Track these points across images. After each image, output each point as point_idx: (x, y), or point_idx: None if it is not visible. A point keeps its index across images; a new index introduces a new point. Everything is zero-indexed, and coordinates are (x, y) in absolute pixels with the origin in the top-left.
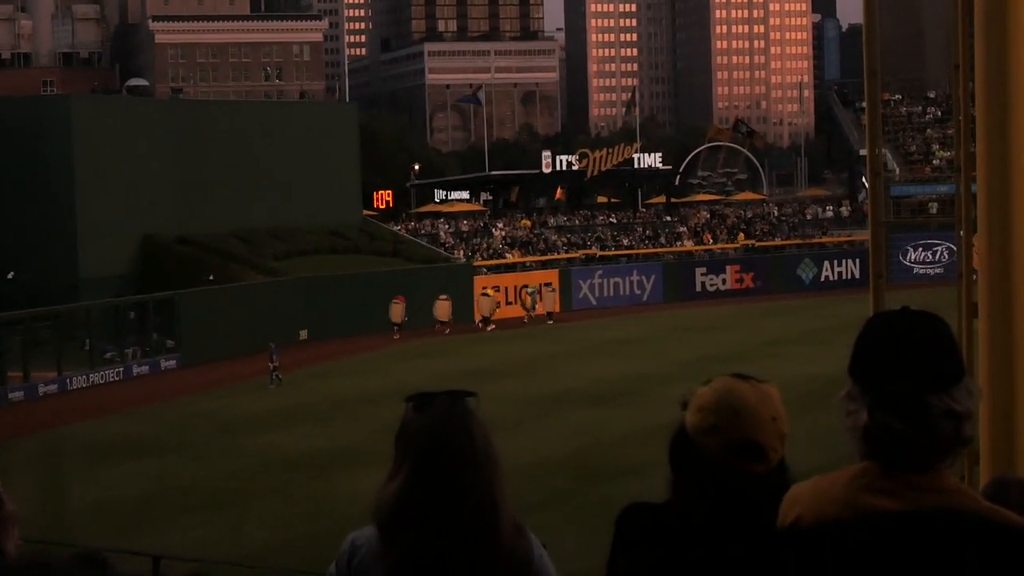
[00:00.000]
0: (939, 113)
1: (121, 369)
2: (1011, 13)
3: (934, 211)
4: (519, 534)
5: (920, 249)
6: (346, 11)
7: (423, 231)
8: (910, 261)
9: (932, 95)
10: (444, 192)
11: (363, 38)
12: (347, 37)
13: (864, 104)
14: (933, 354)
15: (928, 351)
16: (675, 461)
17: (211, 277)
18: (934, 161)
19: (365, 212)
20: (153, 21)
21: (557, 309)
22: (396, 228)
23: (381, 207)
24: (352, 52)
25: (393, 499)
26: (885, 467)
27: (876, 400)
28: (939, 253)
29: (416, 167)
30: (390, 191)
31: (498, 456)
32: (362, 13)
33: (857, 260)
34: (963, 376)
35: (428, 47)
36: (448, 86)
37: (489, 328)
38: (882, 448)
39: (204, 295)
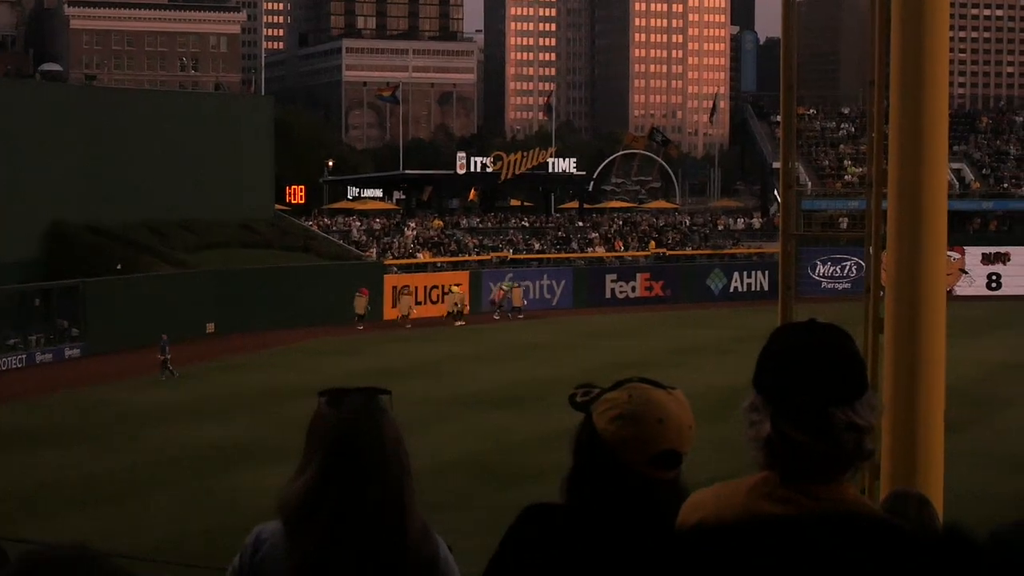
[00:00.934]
0: (852, 129)
1: (24, 356)
2: (927, 32)
3: (844, 226)
4: (426, 535)
5: (829, 263)
6: (264, 4)
7: (335, 228)
8: (819, 275)
9: (846, 111)
10: (357, 189)
11: (281, 32)
12: (265, 30)
13: (779, 117)
14: (837, 367)
15: (832, 364)
16: (582, 465)
17: (119, 267)
18: (846, 177)
19: (277, 207)
20: (69, 6)
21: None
22: (308, 224)
23: (294, 202)
24: (269, 45)
25: (301, 495)
26: (786, 477)
27: (779, 411)
28: (848, 268)
29: (330, 163)
30: (303, 186)
31: (408, 456)
32: (281, 7)
33: (767, 272)
34: (866, 390)
35: (346, 43)
36: (365, 83)
37: (408, 326)
38: (783, 459)
39: (111, 284)
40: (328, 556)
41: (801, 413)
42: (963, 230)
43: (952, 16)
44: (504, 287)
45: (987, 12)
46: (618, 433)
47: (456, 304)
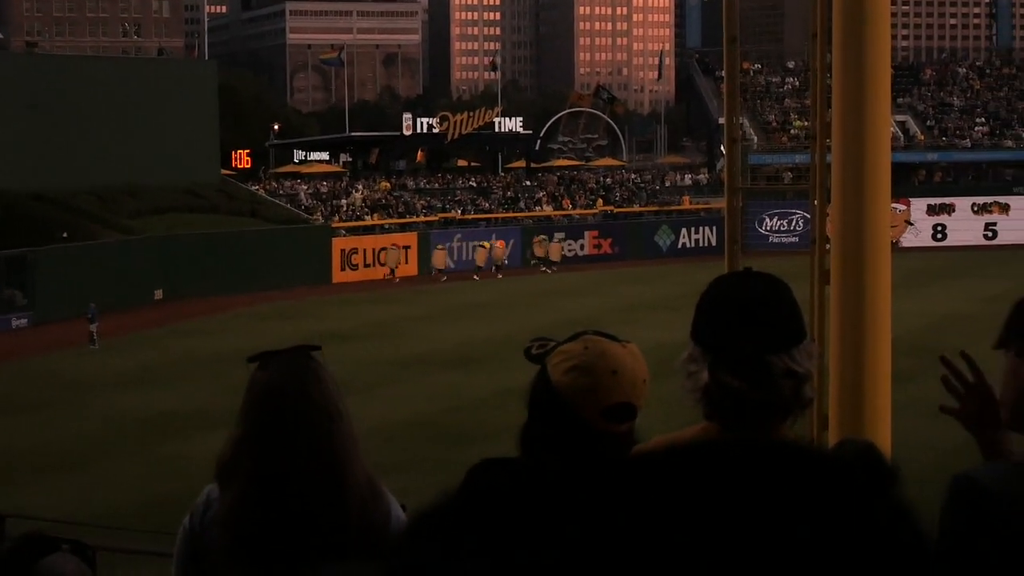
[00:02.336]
0: (797, 83)
1: None
2: None
3: (789, 180)
4: (375, 494)
5: (776, 218)
6: None
7: (282, 192)
8: (766, 229)
9: (791, 65)
10: (303, 153)
11: None
12: None
13: (724, 72)
14: (773, 315)
15: (768, 312)
16: (536, 418)
17: (65, 235)
18: (792, 131)
19: (223, 171)
20: None
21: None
22: (255, 188)
23: (240, 167)
24: (212, 9)
25: (228, 454)
26: (725, 426)
27: (716, 360)
28: (794, 222)
29: (276, 127)
30: (249, 151)
31: (344, 410)
32: None
33: (714, 227)
34: (804, 338)
35: (289, 6)
36: (309, 46)
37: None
38: (722, 408)
39: (57, 252)
40: (254, 512)
41: (738, 361)
42: (908, 182)
43: None
44: (485, 244)
45: None
46: (572, 384)
47: (497, 258)
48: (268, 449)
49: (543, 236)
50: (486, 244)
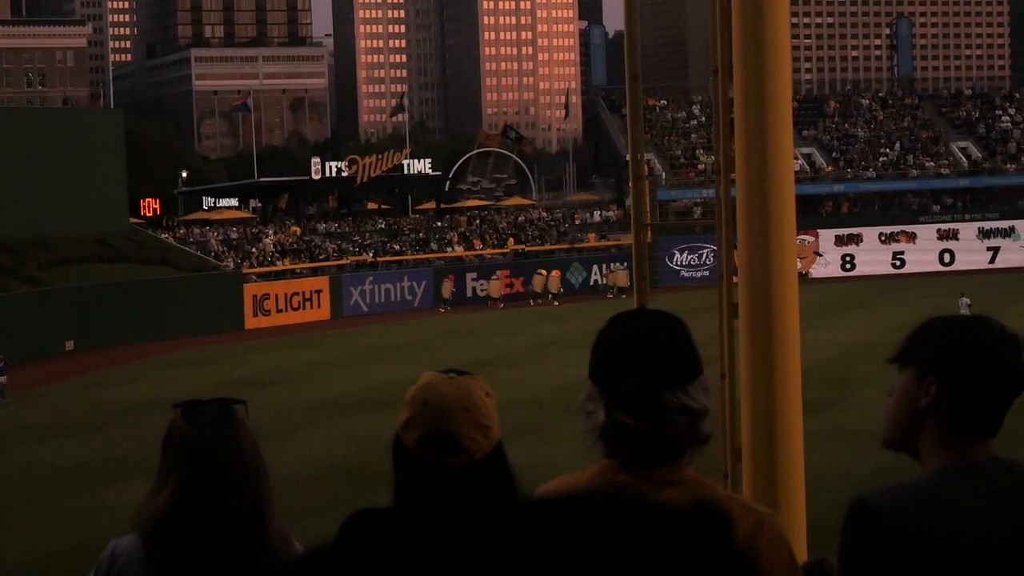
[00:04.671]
0: (703, 118)
1: None
2: (768, 17)
3: (698, 214)
4: (285, 542)
5: (686, 252)
6: (110, 16)
7: (192, 239)
8: (677, 264)
9: (698, 99)
10: (212, 199)
11: (128, 44)
12: (111, 43)
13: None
14: (667, 352)
15: (662, 349)
16: (394, 463)
17: None
18: (699, 165)
19: (132, 220)
20: None
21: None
22: (164, 236)
23: (148, 215)
24: (117, 58)
25: (161, 511)
26: (624, 465)
27: (612, 399)
28: (704, 256)
29: (184, 174)
30: (157, 199)
31: (265, 465)
32: (127, 18)
33: (625, 263)
34: (700, 374)
35: (195, 53)
36: (216, 92)
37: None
38: (619, 445)
39: None
40: (189, 572)
41: (632, 399)
42: (816, 213)
43: (796, 2)
44: (542, 272)
45: None
46: (400, 420)
47: (553, 287)
48: (205, 509)
49: (541, 270)
50: (543, 272)
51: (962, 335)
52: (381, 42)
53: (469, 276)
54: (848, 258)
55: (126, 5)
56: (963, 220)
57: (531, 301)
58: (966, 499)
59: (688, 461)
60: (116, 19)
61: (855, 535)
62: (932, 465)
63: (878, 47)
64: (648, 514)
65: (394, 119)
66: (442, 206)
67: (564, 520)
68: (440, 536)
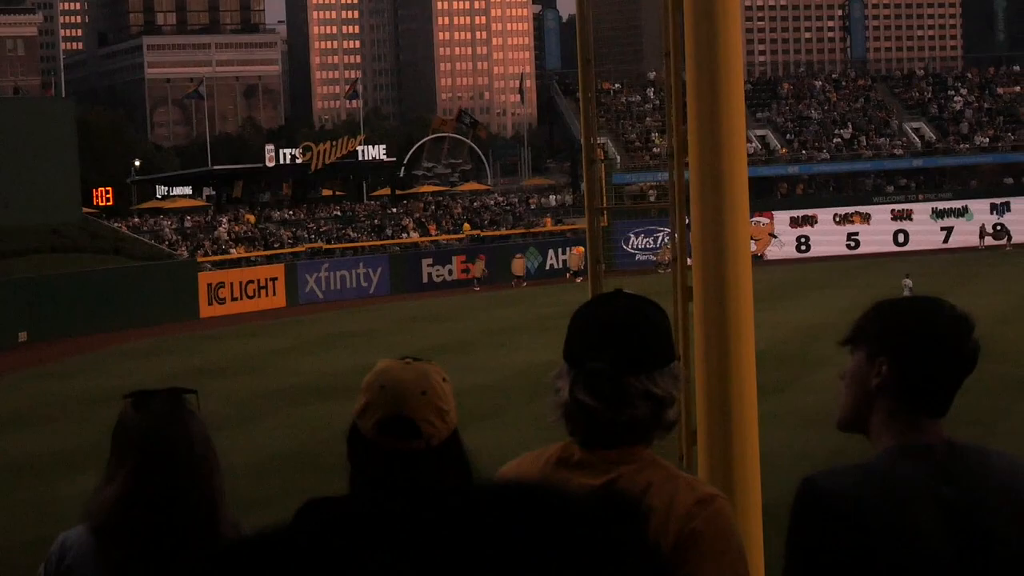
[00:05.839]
0: (658, 102)
1: None
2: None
3: (653, 198)
4: (236, 532)
5: (642, 235)
6: (61, 4)
7: (146, 228)
8: (633, 247)
9: (652, 78)
10: (166, 188)
11: (79, 32)
12: (62, 31)
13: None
14: (635, 336)
15: (631, 333)
16: (349, 451)
17: None
18: (654, 149)
19: (85, 210)
20: None
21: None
22: (117, 225)
23: (102, 204)
24: (68, 46)
25: (111, 502)
26: (583, 443)
27: (576, 378)
28: (660, 239)
29: (137, 163)
30: (110, 188)
31: (216, 455)
32: (78, 6)
33: (581, 248)
34: (669, 361)
35: (147, 40)
36: (168, 80)
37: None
38: (579, 424)
39: None
40: (140, 563)
41: (594, 380)
42: (771, 195)
43: None
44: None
45: None
46: (357, 407)
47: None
48: (156, 499)
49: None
50: (573, 249)
51: (912, 315)
52: (334, 28)
53: (425, 262)
54: (803, 240)
55: None
56: (917, 201)
57: (513, 283)
58: (914, 481)
59: (647, 446)
60: (67, 7)
61: (803, 516)
62: (882, 446)
63: (831, 29)
64: (557, 503)
65: (349, 104)
66: (397, 192)
67: (477, 509)
68: (393, 522)
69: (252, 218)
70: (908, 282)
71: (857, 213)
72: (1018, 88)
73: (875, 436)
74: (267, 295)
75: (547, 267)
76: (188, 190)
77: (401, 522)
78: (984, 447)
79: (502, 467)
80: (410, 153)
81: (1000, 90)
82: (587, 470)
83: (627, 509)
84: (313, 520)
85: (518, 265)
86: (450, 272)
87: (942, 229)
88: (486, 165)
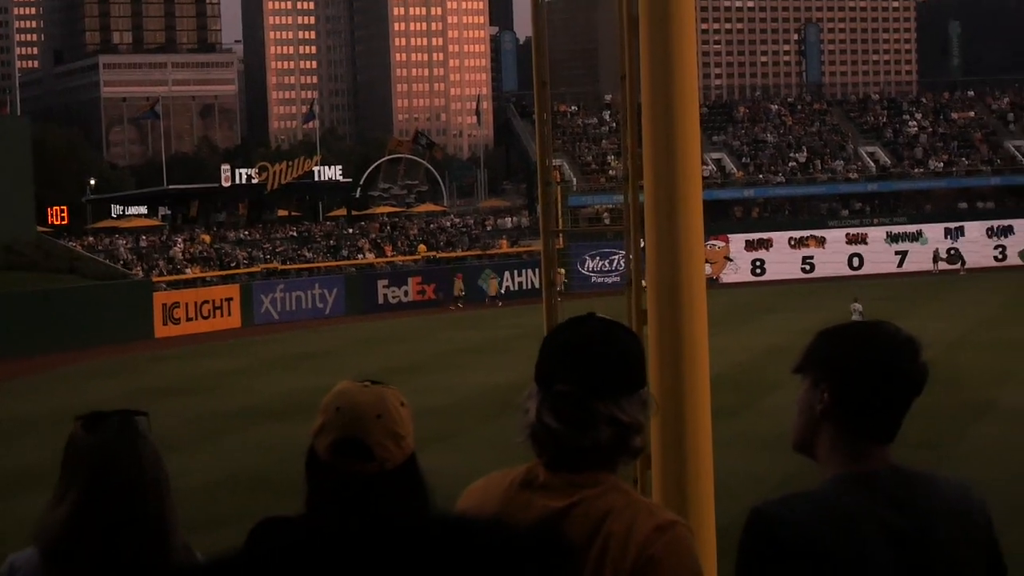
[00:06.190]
0: (614, 124)
1: None
2: (674, 23)
3: (608, 220)
4: (188, 554)
5: (598, 258)
6: (16, 22)
7: (101, 247)
8: (588, 270)
9: (608, 100)
10: (121, 207)
11: (35, 50)
12: (18, 49)
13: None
14: (604, 361)
15: (600, 357)
16: (306, 471)
17: None
18: (610, 172)
19: (40, 228)
20: None
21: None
22: (72, 244)
23: (56, 223)
24: (23, 64)
25: (62, 524)
26: (548, 465)
27: (543, 400)
28: (616, 262)
29: (92, 182)
30: (65, 206)
31: (168, 477)
32: (33, 24)
33: (537, 270)
34: (639, 388)
35: (103, 59)
36: (124, 99)
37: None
38: (544, 447)
39: None
40: None
41: (559, 403)
42: (727, 218)
43: (705, 9)
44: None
45: (739, 3)
46: (314, 428)
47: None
48: (106, 521)
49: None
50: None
51: (853, 340)
52: (291, 48)
53: (380, 283)
54: (758, 263)
55: (33, 11)
56: (871, 224)
57: (486, 301)
58: (860, 509)
59: (611, 471)
60: (22, 25)
61: (751, 546)
62: (830, 472)
63: (787, 53)
64: (497, 537)
65: (306, 125)
66: (353, 213)
67: (422, 539)
68: (343, 545)
69: (208, 238)
70: (858, 306)
71: (812, 237)
72: (972, 113)
73: (822, 462)
74: (222, 315)
75: (503, 289)
76: (144, 209)
77: (348, 548)
78: (932, 473)
79: (469, 486)
80: (366, 174)
81: (954, 115)
82: (550, 492)
83: (556, 546)
84: (265, 543)
85: (493, 285)
86: (406, 293)
87: (896, 253)
88: (442, 186)
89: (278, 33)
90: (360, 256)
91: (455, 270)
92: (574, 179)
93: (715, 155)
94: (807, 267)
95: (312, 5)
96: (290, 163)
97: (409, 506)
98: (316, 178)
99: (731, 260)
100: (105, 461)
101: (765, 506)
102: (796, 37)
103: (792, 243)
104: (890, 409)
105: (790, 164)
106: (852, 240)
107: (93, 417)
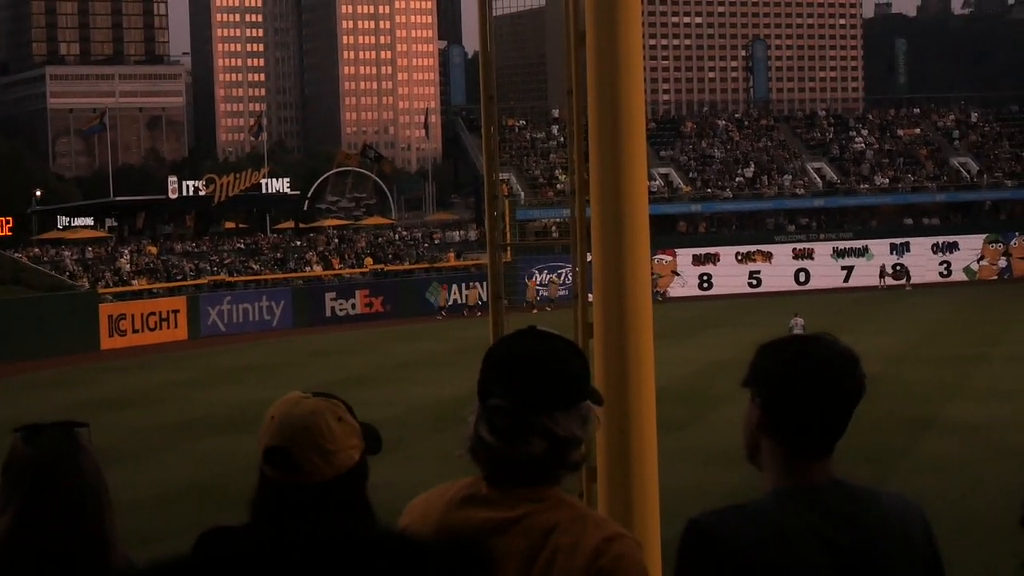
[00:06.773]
0: (562, 139)
1: None
2: (621, 39)
3: (556, 234)
4: (127, 565)
5: (545, 272)
6: None
7: (46, 259)
8: (537, 284)
9: (556, 114)
10: (67, 219)
11: None
12: None
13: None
14: (540, 375)
15: (537, 371)
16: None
17: None
18: (558, 185)
19: None
20: None
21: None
22: (17, 256)
23: (1, 234)
24: None
25: (1, 537)
26: (488, 479)
27: (480, 414)
28: (564, 276)
29: (38, 193)
30: (10, 218)
31: (107, 490)
32: None
33: (484, 283)
34: (577, 401)
35: (49, 71)
36: (71, 110)
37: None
38: (482, 460)
39: None
40: None
41: (493, 417)
42: (674, 233)
43: (653, 25)
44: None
45: (687, 19)
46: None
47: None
48: (46, 535)
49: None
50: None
51: (784, 354)
52: (239, 60)
53: (328, 295)
54: (705, 277)
55: None
56: (818, 240)
57: (465, 312)
58: (798, 523)
59: (551, 485)
60: None
61: (688, 558)
62: (770, 485)
63: (735, 69)
64: (414, 551)
65: (254, 140)
66: (301, 225)
67: (341, 553)
68: (269, 556)
69: (154, 250)
70: (799, 320)
71: (759, 251)
72: (918, 130)
73: (765, 475)
74: (169, 327)
75: (451, 302)
76: (90, 221)
77: (271, 560)
78: (874, 488)
79: (411, 501)
80: (314, 187)
81: (900, 132)
82: (492, 507)
83: (475, 556)
84: (208, 549)
85: (472, 295)
86: (353, 306)
87: (843, 268)
88: (390, 199)
89: (226, 45)
90: (308, 268)
91: (441, 281)
92: (522, 193)
93: (663, 170)
94: (754, 282)
95: (260, 17)
96: (238, 175)
97: (339, 520)
98: (264, 190)
99: (678, 274)
100: (44, 473)
101: (702, 517)
102: (744, 53)
103: (739, 258)
104: (826, 422)
105: (737, 179)
106: (799, 255)
107: (32, 429)
